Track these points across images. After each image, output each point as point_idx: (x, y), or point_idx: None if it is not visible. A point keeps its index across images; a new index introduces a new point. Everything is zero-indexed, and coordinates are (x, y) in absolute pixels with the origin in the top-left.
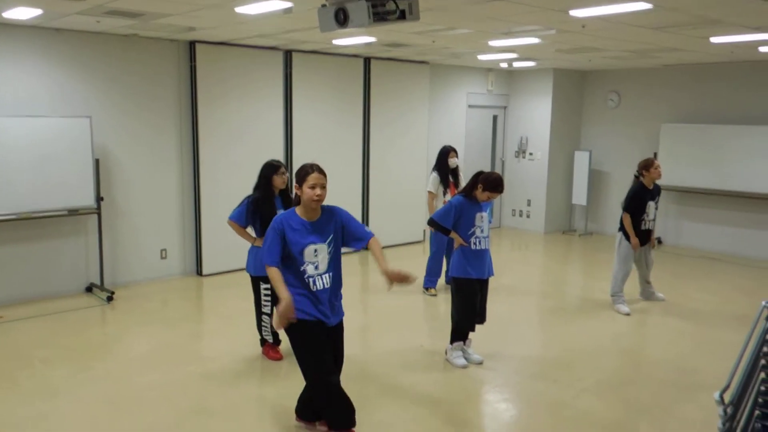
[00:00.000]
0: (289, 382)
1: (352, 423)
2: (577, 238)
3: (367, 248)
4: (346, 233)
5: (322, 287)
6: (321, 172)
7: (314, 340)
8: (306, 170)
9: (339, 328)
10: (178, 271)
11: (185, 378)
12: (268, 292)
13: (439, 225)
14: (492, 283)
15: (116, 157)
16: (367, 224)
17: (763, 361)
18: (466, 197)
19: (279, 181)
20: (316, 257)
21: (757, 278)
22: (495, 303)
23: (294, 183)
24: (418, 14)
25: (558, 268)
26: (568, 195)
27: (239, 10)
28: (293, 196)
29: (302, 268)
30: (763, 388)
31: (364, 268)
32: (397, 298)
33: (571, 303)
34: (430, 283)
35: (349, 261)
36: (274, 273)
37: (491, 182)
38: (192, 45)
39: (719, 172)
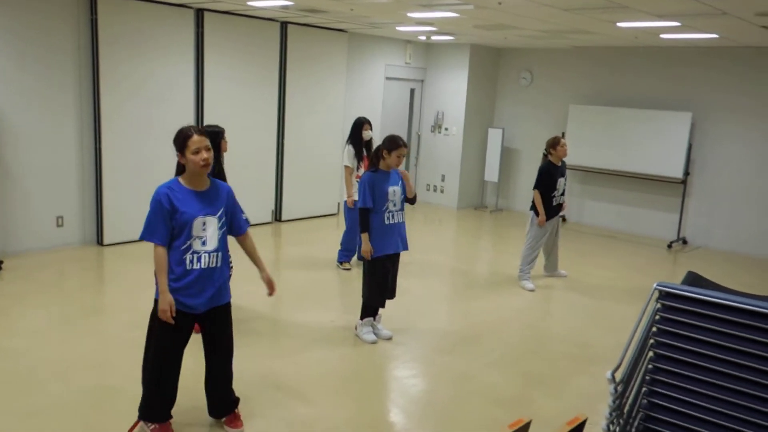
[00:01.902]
0: (196, 358)
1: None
2: (488, 214)
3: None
4: (231, 216)
5: (206, 266)
6: (201, 133)
7: (174, 334)
8: (185, 134)
9: (222, 311)
10: (77, 239)
11: (84, 354)
12: None
13: (368, 210)
14: (404, 257)
15: (5, 114)
16: (281, 195)
17: (652, 341)
18: (374, 172)
19: (225, 147)
20: (204, 231)
21: (650, 255)
22: (406, 278)
23: (175, 151)
24: None
25: (469, 243)
26: (480, 171)
27: None
28: (176, 164)
29: (187, 243)
30: (650, 366)
31: (276, 240)
32: (310, 272)
33: (480, 278)
34: (344, 257)
35: (262, 231)
36: (160, 256)
37: (390, 141)
38: None
39: (621, 153)
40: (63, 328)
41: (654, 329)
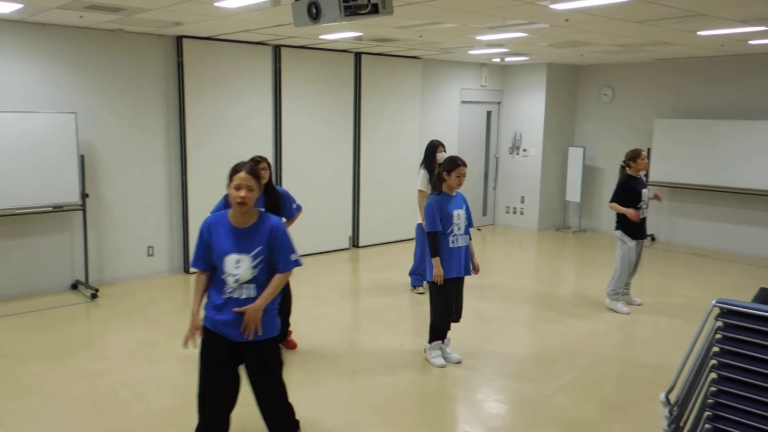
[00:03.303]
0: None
1: None
2: (570, 235)
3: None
4: (273, 255)
5: (239, 296)
6: (251, 172)
7: (210, 359)
8: (235, 168)
9: (261, 347)
10: (165, 268)
11: (163, 377)
12: None
13: (437, 233)
14: (483, 280)
15: (102, 153)
16: (358, 221)
17: (713, 361)
18: (438, 195)
19: (264, 175)
20: (237, 269)
21: (747, 275)
22: (482, 301)
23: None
24: (391, 8)
25: (550, 265)
26: (561, 191)
27: (219, 4)
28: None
29: (222, 278)
30: (713, 388)
31: (353, 265)
32: (384, 297)
33: (559, 301)
34: (417, 281)
35: (340, 257)
36: (197, 281)
37: (449, 162)
38: (179, 40)
39: (712, 167)
40: (146, 352)
41: (716, 349)
